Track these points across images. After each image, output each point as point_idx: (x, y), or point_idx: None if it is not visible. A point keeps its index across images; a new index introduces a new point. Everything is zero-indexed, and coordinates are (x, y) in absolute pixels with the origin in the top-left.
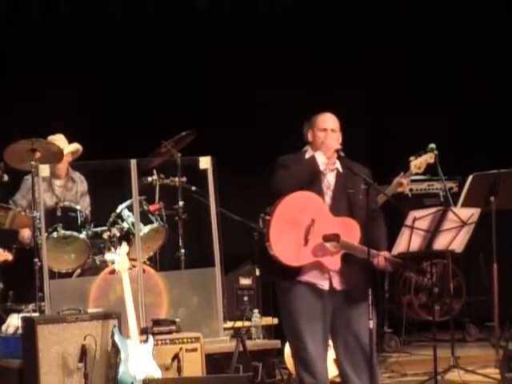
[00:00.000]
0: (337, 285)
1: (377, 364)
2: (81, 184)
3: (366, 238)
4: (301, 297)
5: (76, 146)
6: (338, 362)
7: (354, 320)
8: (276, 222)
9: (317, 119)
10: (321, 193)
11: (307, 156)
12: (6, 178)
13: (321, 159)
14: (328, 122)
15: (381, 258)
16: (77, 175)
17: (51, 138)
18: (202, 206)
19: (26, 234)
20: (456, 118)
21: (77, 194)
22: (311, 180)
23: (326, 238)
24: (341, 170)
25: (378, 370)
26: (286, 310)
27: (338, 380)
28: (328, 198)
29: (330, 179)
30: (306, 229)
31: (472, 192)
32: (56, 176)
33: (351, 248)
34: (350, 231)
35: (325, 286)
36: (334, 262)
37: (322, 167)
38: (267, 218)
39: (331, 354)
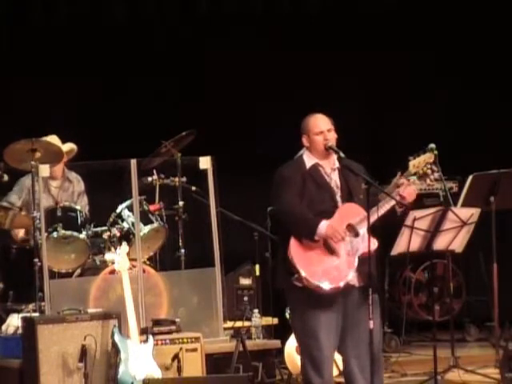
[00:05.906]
0: (354, 282)
1: (382, 362)
2: (77, 184)
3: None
4: (321, 294)
5: (71, 146)
6: (343, 358)
7: (364, 318)
8: (296, 253)
9: (309, 124)
10: (333, 195)
11: (305, 159)
12: (6, 178)
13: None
14: (322, 123)
15: (409, 188)
16: (73, 175)
17: (44, 139)
18: (202, 206)
19: (19, 233)
20: (456, 117)
21: (73, 194)
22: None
23: (351, 231)
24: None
25: (383, 369)
26: (301, 308)
27: (337, 380)
28: (339, 198)
29: (335, 178)
30: (322, 242)
31: (472, 192)
32: (52, 177)
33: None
34: (354, 212)
35: (345, 282)
36: (350, 263)
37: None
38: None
39: None
